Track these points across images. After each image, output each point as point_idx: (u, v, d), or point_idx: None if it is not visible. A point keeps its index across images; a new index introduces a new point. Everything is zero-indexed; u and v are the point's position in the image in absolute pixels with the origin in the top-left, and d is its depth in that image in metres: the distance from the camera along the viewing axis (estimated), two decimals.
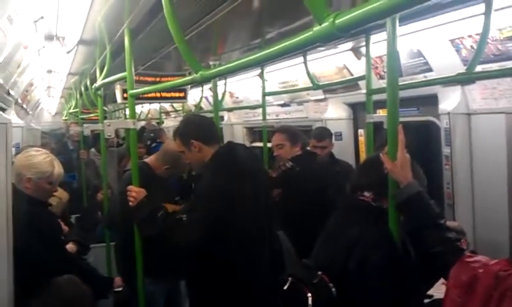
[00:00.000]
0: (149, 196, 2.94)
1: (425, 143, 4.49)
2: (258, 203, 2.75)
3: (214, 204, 2.60)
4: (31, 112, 8.20)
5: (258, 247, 2.72)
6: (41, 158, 3.21)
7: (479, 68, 3.06)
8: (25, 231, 2.88)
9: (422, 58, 3.94)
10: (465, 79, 2.99)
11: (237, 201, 2.62)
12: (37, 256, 2.92)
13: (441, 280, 2.96)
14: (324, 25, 1.27)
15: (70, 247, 3.52)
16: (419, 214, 2.07)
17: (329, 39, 1.30)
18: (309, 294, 2.17)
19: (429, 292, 2.59)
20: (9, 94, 4.62)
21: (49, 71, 6.46)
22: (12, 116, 5.56)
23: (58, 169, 3.28)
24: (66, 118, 10.70)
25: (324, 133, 4.62)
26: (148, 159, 3.81)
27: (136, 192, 2.92)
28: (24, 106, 7.09)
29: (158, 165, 3.68)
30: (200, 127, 2.96)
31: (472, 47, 3.41)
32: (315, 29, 1.32)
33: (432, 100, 4.09)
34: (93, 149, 7.29)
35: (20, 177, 3.10)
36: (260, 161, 3.09)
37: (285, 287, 2.29)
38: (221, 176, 2.69)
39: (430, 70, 3.93)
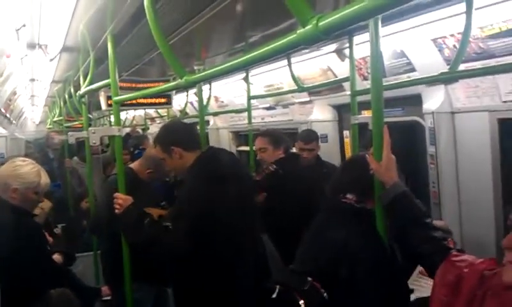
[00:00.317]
0: (135, 201, 2.93)
1: (410, 143, 4.51)
2: (242, 207, 2.74)
3: (197, 211, 2.58)
4: (14, 122, 8.13)
5: (243, 252, 2.71)
6: (28, 168, 3.17)
7: (461, 67, 3.08)
8: (11, 242, 2.86)
9: (405, 58, 3.96)
10: (448, 78, 3.00)
11: (220, 206, 2.61)
12: (24, 267, 2.89)
13: (417, 271, 2.99)
14: (307, 27, 1.27)
15: (56, 257, 3.47)
16: (405, 214, 2.08)
17: (313, 41, 1.30)
18: (301, 301, 2.17)
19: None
20: None
21: (32, 80, 6.41)
22: None
23: (45, 179, 3.25)
24: (50, 126, 10.62)
25: (310, 136, 4.63)
26: (133, 165, 3.79)
27: (122, 200, 2.90)
28: (7, 115, 7.03)
29: (141, 170, 3.67)
30: (180, 133, 2.95)
31: (454, 46, 3.44)
32: (298, 31, 1.32)
33: (417, 100, 4.11)
34: (75, 158, 7.25)
35: (6, 187, 3.06)
36: (243, 165, 3.08)
37: (274, 296, 2.28)
38: (203, 181, 2.68)
39: (413, 69, 3.96)
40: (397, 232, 2.15)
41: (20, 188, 3.08)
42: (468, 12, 2.66)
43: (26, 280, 2.87)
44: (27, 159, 3.38)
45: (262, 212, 3.91)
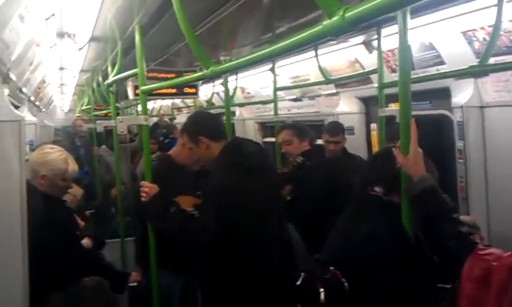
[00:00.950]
0: (168, 188, 2.95)
1: (438, 137, 4.46)
2: (267, 197, 2.74)
3: (223, 201, 2.59)
4: (44, 110, 8.26)
5: (268, 241, 2.71)
6: (56, 155, 3.25)
7: (491, 61, 3.03)
8: (41, 227, 2.92)
9: (434, 51, 3.90)
10: (478, 72, 2.95)
11: (246, 196, 2.61)
12: (54, 252, 2.94)
13: None
14: (334, 19, 1.26)
15: (86, 242, 3.54)
16: (432, 208, 2.06)
17: (339, 33, 1.29)
18: (321, 289, 2.17)
19: None
20: (22, 91, 4.65)
21: (61, 69, 6.50)
22: (25, 113, 5.60)
23: (72, 166, 3.32)
24: (79, 114, 10.77)
25: (337, 128, 4.61)
26: (172, 151, 3.80)
27: (148, 188, 2.93)
28: (37, 103, 7.14)
29: (181, 152, 3.66)
30: (208, 124, 2.96)
31: (484, 39, 3.38)
32: (325, 23, 1.31)
33: (445, 93, 4.06)
34: (103, 146, 7.32)
35: (34, 173, 3.14)
36: (268, 155, 3.08)
37: (298, 282, 2.30)
38: (228, 171, 2.68)
39: (442, 62, 3.90)
40: (423, 226, 2.14)
41: (48, 174, 3.15)
42: (499, 5, 2.62)
43: (57, 265, 2.92)
44: (55, 146, 3.44)
45: (288, 203, 3.93)
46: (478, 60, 3.00)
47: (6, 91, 3.18)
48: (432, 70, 3.98)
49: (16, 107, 4.98)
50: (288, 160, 4.22)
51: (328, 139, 4.49)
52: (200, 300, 3.93)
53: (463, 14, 3.36)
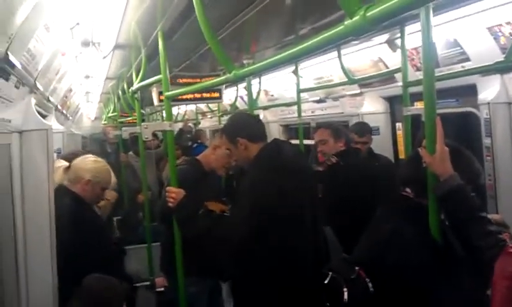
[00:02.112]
0: (196, 193, 2.98)
1: (465, 134, 4.40)
2: (303, 199, 2.73)
3: (259, 201, 2.59)
4: (70, 118, 8.37)
5: (302, 243, 2.71)
6: (102, 165, 3.39)
7: None
8: (72, 230, 2.96)
9: (459, 48, 3.86)
10: (504, 68, 2.91)
11: (282, 197, 2.61)
12: (82, 256, 2.97)
13: None
14: (355, 18, 1.26)
15: None
16: (460, 207, 2.04)
17: (360, 32, 1.29)
18: (345, 289, 2.17)
19: None
20: (49, 100, 4.72)
21: (87, 77, 6.57)
22: (53, 122, 5.68)
23: (113, 178, 3.44)
24: (105, 122, 10.90)
25: (364, 129, 4.61)
26: (201, 156, 3.85)
27: (175, 193, 2.95)
28: (64, 112, 7.23)
29: (210, 157, 3.72)
30: (246, 125, 2.98)
31: (510, 34, 3.33)
32: (346, 23, 1.31)
33: (471, 90, 4.01)
34: (131, 153, 7.40)
35: (78, 178, 3.22)
36: (305, 158, 3.08)
37: (326, 281, 2.30)
38: (266, 172, 2.69)
39: (467, 59, 3.85)
40: (452, 226, 2.12)
41: (92, 181, 3.22)
42: None
43: (79, 265, 2.95)
44: (97, 157, 3.52)
45: (322, 204, 3.92)
46: (504, 56, 2.95)
47: (34, 101, 3.23)
48: (458, 67, 3.94)
49: (44, 116, 5.06)
50: (323, 159, 4.20)
51: (356, 140, 4.48)
52: (224, 302, 3.98)
53: (488, 9, 3.32)
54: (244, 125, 2.99)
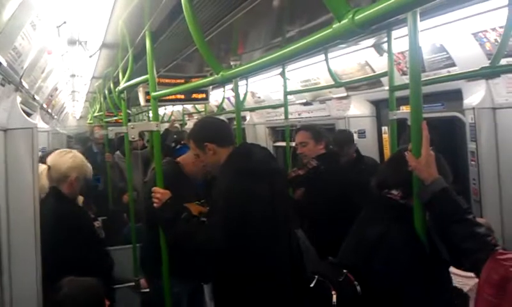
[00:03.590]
0: (176, 195, 2.96)
1: (450, 139, 4.44)
2: (275, 202, 2.73)
3: (230, 206, 2.59)
4: (56, 117, 8.31)
5: (277, 246, 2.71)
6: (80, 158, 3.37)
7: (503, 62, 3.01)
8: (64, 232, 2.94)
9: (445, 53, 3.89)
10: (490, 73, 2.94)
11: (254, 201, 2.61)
12: (79, 257, 2.94)
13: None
14: (343, 21, 1.26)
15: None
16: (446, 210, 2.04)
17: (349, 35, 1.29)
18: (333, 292, 2.17)
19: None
20: (34, 99, 4.68)
21: (73, 76, 6.54)
22: (38, 121, 5.64)
23: (90, 167, 3.42)
24: (91, 121, 10.84)
25: (344, 141, 4.66)
26: (181, 158, 3.82)
27: (160, 194, 2.94)
28: (49, 110, 7.19)
29: (196, 164, 3.67)
30: (214, 129, 2.96)
31: (495, 40, 3.36)
32: (334, 26, 1.31)
33: (457, 95, 4.04)
34: (117, 152, 7.36)
35: (65, 178, 3.17)
36: (276, 160, 3.07)
37: (312, 285, 2.29)
38: (235, 177, 2.68)
39: (453, 64, 3.88)
40: (439, 229, 2.12)
41: (79, 177, 3.20)
42: (511, 5, 2.60)
43: (75, 268, 2.93)
44: (74, 150, 3.49)
45: (300, 207, 3.92)
46: (489, 61, 2.98)
47: (19, 99, 3.20)
48: (444, 72, 3.97)
49: (29, 115, 5.02)
50: (303, 162, 4.20)
51: (336, 151, 4.51)
52: (206, 303, 3.97)
53: (473, 15, 3.35)
54: (211, 129, 2.97)
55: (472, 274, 2.93)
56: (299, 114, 6.97)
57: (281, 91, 5.53)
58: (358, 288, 2.19)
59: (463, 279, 2.69)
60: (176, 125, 9.21)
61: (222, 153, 2.85)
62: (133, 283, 3.60)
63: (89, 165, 3.36)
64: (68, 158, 3.29)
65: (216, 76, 2.28)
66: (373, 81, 5.00)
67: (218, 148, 2.86)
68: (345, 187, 3.88)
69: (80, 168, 3.25)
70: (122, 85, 4.25)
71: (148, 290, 3.64)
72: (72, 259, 2.87)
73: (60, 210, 2.96)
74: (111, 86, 5.68)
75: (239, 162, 2.76)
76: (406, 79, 4.28)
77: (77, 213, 3.15)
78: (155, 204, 2.94)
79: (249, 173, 2.68)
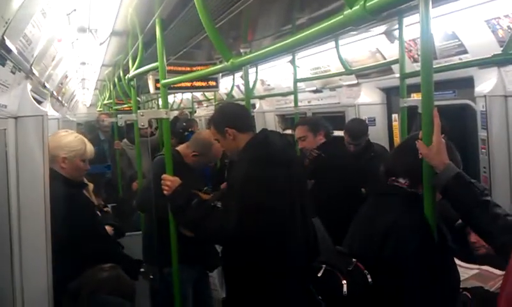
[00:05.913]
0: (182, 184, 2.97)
1: (461, 127, 4.41)
2: (293, 190, 2.73)
3: (249, 192, 2.59)
4: (66, 104, 8.32)
5: (293, 234, 2.72)
6: (72, 137, 3.33)
7: None
8: (64, 213, 2.95)
9: (457, 40, 3.86)
10: (502, 60, 2.92)
11: (272, 188, 2.61)
12: (76, 236, 2.96)
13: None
14: (354, 8, 1.25)
15: (107, 229, 3.66)
16: (463, 195, 2.01)
17: (360, 22, 1.28)
18: (344, 281, 2.16)
19: None
20: (44, 87, 4.69)
21: (83, 63, 6.54)
22: (48, 108, 5.65)
23: (90, 146, 3.40)
24: (101, 109, 10.86)
25: (360, 132, 4.62)
26: (179, 147, 3.82)
27: (170, 181, 2.95)
28: (59, 98, 7.20)
29: (187, 153, 3.70)
30: (234, 115, 2.96)
31: (508, 27, 3.33)
32: (345, 12, 1.30)
33: (468, 83, 4.01)
34: (125, 140, 7.38)
35: (54, 158, 3.16)
36: (294, 149, 3.07)
37: (319, 274, 2.29)
38: (255, 163, 2.68)
39: (465, 51, 3.85)
40: (461, 216, 2.09)
41: (68, 156, 3.19)
42: None
43: (79, 250, 2.95)
44: (68, 130, 3.49)
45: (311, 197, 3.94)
46: (502, 48, 2.95)
47: (29, 87, 3.20)
48: (455, 59, 3.94)
49: (39, 102, 5.04)
50: (305, 155, 4.21)
51: (349, 141, 4.49)
52: (209, 290, 3.99)
53: (486, 2, 3.32)
54: (232, 115, 2.97)
55: (471, 265, 2.95)
56: (308, 102, 6.95)
57: (290, 78, 5.51)
58: (369, 277, 2.18)
59: (464, 270, 2.70)
60: (186, 112, 9.23)
61: (242, 138, 2.85)
62: (142, 270, 3.61)
63: (85, 147, 3.32)
64: (57, 138, 3.28)
65: (225, 63, 2.27)
66: (384, 68, 4.97)
67: (238, 134, 2.86)
68: (348, 171, 3.88)
69: (69, 148, 3.22)
70: (132, 73, 4.25)
71: (152, 276, 3.64)
72: (68, 238, 2.91)
73: (52, 188, 2.95)
74: (121, 73, 5.70)
75: (258, 150, 2.76)
76: (417, 67, 4.25)
77: (69, 193, 3.13)
78: (165, 192, 2.96)
79: (267, 161, 2.68)
